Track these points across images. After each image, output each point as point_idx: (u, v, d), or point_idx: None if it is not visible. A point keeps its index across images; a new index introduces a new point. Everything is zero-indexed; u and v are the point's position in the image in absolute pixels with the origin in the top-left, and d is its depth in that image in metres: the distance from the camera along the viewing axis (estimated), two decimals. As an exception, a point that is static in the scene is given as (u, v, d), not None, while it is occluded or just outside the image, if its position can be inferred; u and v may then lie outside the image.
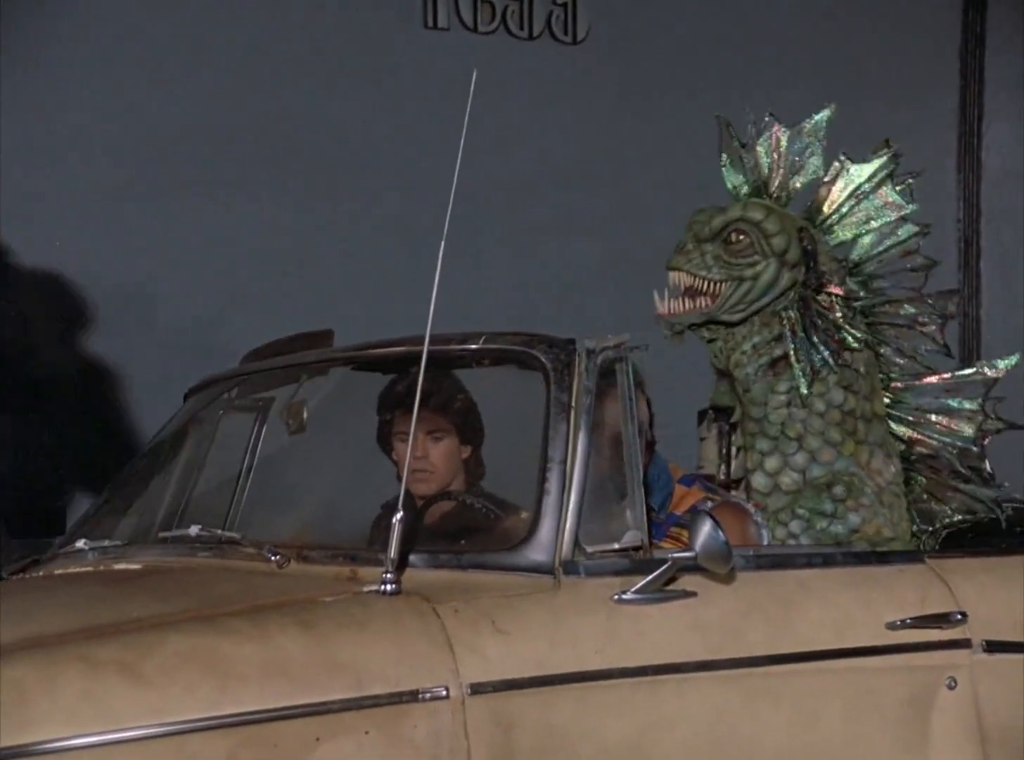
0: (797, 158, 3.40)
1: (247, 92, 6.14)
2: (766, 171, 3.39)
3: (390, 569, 2.59)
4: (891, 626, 2.97)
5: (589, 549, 2.73)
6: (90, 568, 3.07)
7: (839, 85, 7.33)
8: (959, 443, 3.35)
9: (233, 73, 6.13)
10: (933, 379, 3.40)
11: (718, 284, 3.25)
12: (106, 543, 3.13)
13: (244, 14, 6.17)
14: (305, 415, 3.28)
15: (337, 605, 2.58)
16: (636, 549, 2.76)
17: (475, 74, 2.79)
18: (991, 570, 3.17)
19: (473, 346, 3.04)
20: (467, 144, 2.81)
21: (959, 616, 3.04)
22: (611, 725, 2.65)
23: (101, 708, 2.26)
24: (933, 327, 3.41)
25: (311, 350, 3.43)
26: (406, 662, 2.49)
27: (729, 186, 3.44)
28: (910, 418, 3.38)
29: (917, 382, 3.40)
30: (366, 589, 2.62)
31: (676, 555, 2.73)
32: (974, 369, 3.41)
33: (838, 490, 3.22)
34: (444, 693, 2.49)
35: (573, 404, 2.80)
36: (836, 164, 3.42)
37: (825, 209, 3.40)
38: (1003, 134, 7.70)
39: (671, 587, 2.77)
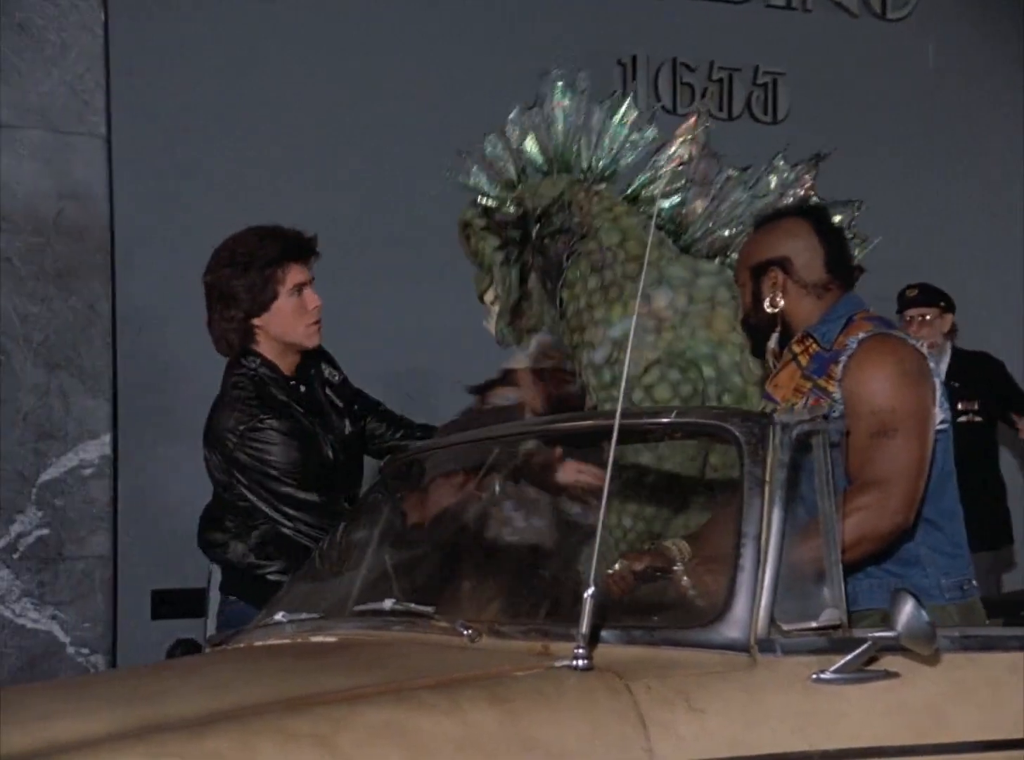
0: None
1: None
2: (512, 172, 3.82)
3: (582, 644, 2.56)
4: (1111, 714, 2.83)
5: (785, 627, 2.67)
6: (288, 640, 3.12)
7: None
8: None
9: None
10: None
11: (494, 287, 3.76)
12: (303, 616, 3.17)
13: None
14: (497, 488, 3.30)
15: (529, 680, 2.56)
16: (835, 628, 2.69)
17: None
18: None
19: (665, 419, 3.03)
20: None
21: None
22: (810, 809, 2.57)
23: (297, 780, 2.28)
24: None
25: (502, 423, 3.45)
26: (599, 740, 2.45)
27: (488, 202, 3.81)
28: None
29: None
30: (558, 664, 2.60)
31: (877, 635, 2.65)
32: None
33: None
34: (638, 772, 2.45)
35: (768, 479, 2.75)
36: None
37: (590, 165, 3.73)
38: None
39: (872, 667, 2.69)
